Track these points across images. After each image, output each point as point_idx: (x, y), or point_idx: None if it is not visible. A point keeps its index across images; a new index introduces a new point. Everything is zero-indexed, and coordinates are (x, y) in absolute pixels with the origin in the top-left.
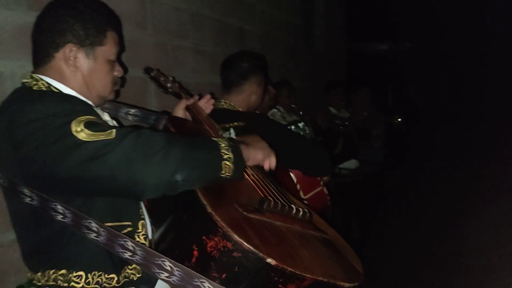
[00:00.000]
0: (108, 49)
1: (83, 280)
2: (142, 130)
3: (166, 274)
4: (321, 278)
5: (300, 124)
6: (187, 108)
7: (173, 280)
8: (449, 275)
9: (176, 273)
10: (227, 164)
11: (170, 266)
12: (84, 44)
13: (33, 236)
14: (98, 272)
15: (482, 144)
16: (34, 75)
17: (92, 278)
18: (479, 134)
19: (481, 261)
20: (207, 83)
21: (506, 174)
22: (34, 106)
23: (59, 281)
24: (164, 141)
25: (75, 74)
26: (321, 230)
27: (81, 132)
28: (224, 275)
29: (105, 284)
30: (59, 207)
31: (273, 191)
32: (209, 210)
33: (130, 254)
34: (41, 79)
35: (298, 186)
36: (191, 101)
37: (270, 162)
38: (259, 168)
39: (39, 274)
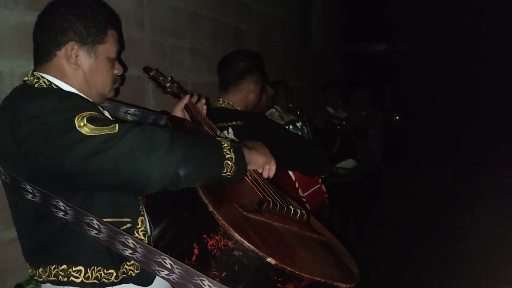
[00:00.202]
0: (109, 47)
1: (82, 275)
2: (145, 125)
3: (166, 272)
4: (319, 279)
5: (298, 124)
6: (186, 108)
7: (172, 278)
8: (446, 275)
9: (176, 271)
10: (229, 164)
11: (170, 264)
12: (85, 42)
13: (35, 233)
14: (97, 267)
15: (479, 143)
16: (36, 73)
17: (91, 273)
18: (476, 133)
19: (479, 260)
20: (204, 83)
21: (503, 173)
22: (37, 103)
23: (59, 276)
24: (167, 136)
25: (76, 72)
26: (317, 232)
27: (84, 127)
28: (224, 274)
29: (103, 279)
30: (60, 204)
31: (271, 192)
32: (210, 209)
33: (130, 251)
34: (42, 77)
35: (296, 184)
36: (194, 98)
37: (269, 170)
38: (257, 171)
39: (40, 270)
